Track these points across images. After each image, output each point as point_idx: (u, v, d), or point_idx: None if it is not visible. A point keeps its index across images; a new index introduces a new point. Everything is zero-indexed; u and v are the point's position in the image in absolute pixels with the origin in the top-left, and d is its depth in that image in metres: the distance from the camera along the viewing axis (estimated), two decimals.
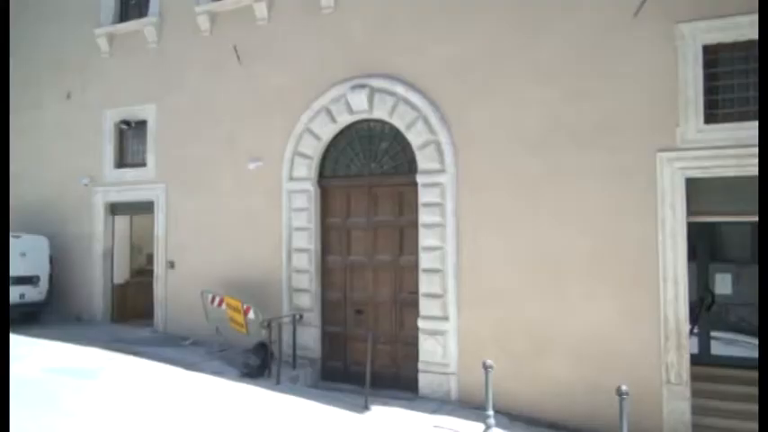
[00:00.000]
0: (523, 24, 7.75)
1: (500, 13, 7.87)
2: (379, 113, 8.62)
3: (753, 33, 6.59)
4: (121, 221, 11.84)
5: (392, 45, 8.59)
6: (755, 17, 6.49)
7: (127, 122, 11.21)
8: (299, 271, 9.17)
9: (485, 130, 7.91)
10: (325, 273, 9.20)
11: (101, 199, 11.55)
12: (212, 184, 10.16)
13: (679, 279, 6.84)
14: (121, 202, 11.45)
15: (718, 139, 6.72)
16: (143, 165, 11.11)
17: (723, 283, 8.18)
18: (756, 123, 6.53)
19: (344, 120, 8.91)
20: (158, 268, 10.79)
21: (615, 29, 7.23)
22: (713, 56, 6.90)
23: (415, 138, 8.35)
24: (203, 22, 10.28)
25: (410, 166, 8.52)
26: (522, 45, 7.73)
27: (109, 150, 11.48)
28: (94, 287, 11.56)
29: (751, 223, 7.95)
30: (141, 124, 11.12)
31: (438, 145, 8.17)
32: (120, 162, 11.51)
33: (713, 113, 6.85)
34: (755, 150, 6.46)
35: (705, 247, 8.25)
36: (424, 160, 8.28)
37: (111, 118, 11.42)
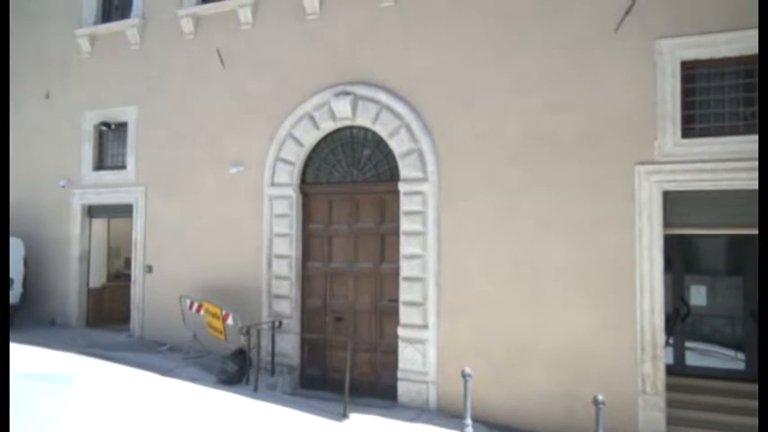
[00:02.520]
0: (505, 35, 7.82)
1: (481, 24, 7.94)
2: (363, 121, 8.63)
3: (728, 51, 6.77)
4: (99, 224, 11.68)
5: (376, 53, 8.62)
6: (731, 35, 6.71)
7: (107, 124, 11.07)
8: (279, 277, 9.12)
9: (467, 139, 7.97)
10: (306, 279, 9.16)
11: (78, 201, 11.38)
12: (193, 188, 10.07)
13: (655, 290, 6.93)
14: (99, 204, 11.29)
15: (695, 153, 6.84)
16: (122, 167, 10.98)
17: (698, 295, 8.32)
18: (731, 138, 6.73)
19: (327, 126, 8.91)
20: (136, 272, 10.65)
21: (596, 42, 7.33)
22: (691, 71, 7.02)
23: (397, 146, 8.38)
24: (186, 25, 10.21)
25: (392, 173, 8.54)
26: (504, 55, 7.81)
27: (87, 152, 11.33)
28: (70, 291, 11.36)
29: (726, 236, 8.13)
30: (122, 126, 10.99)
31: (420, 153, 8.21)
32: (99, 164, 11.36)
33: (690, 128, 6.97)
34: (731, 165, 6.64)
35: (681, 258, 8.39)
36: (406, 168, 8.30)
37: (90, 119, 11.27)
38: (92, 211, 11.49)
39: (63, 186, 11.45)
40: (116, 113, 11.01)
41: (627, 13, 7.07)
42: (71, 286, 11.36)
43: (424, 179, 8.16)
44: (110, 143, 11.34)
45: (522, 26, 7.73)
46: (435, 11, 8.24)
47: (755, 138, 6.56)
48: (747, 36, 6.60)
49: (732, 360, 8.13)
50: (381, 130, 8.50)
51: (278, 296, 9.11)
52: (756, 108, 6.71)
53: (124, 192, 10.87)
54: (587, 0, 7.38)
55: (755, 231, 6.36)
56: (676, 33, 6.93)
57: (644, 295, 6.95)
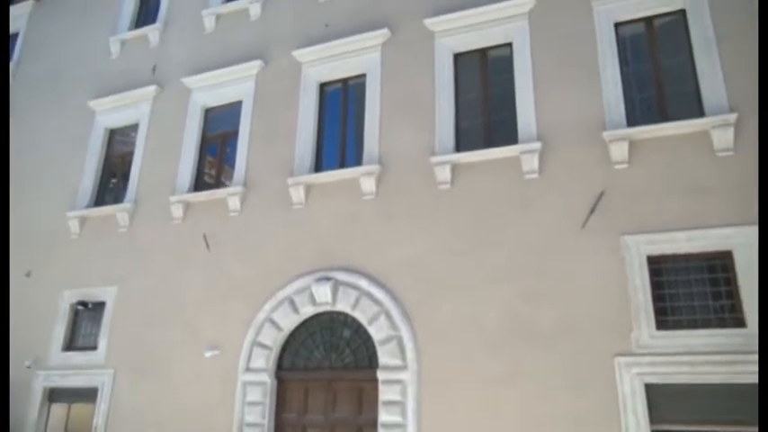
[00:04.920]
0: (479, 228, 8.23)
1: (457, 218, 8.40)
2: (343, 306, 8.68)
3: (690, 247, 7.16)
4: (59, 410, 10.91)
5: (357, 241, 8.95)
6: (691, 233, 7.14)
7: (84, 303, 10.92)
8: None
9: (446, 327, 7.98)
10: None
11: (41, 383, 10.78)
12: (164, 372, 9.67)
13: None
14: (63, 387, 10.67)
15: (671, 346, 6.88)
16: (93, 348, 10.61)
17: None
18: (705, 331, 6.83)
19: (307, 311, 8.92)
20: None
21: (566, 235, 7.73)
22: (657, 265, 7.32)
23: (376, 332, 8.34)
24: (176, 210, 10.62)
25: (371, 360, 8.38)
26: (480, 247, 8.14)
27: (59, 332, 11.00)
28: None
29: None
30: (99, 306, 10.83)
31: (400, 341, 8.14)
32: (70, 344, 10.97)
33: (664, 320, 7.09)
34: (708, 358, 6.65)
35: None
36: (385, 355, 8.17)
37: (68, 298, 11.13)
38: (53, 395, 10.83)
39: (28, 367, 10.92)
40: (95, 293, 10.93)
41: (591, 211, 7.60)
42: None
43: (404, 367, 7.99)
44: (84, 323, 11.08)
45: (496, 220, 8.19)
46: (413, 204, 8.76)
47: (729, 331, 6.71)
48: (706, 234, 7.08)
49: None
50: (361, 316, 8.52)
51: None
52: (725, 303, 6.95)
53: (91, 374, 10.37)
54: (555, 198, 7.93)
55: (746, 430, 6.22)
56: (639, 230, 7.38)
57: None
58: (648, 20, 8.44)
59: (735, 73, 7.48)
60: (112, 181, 12.28)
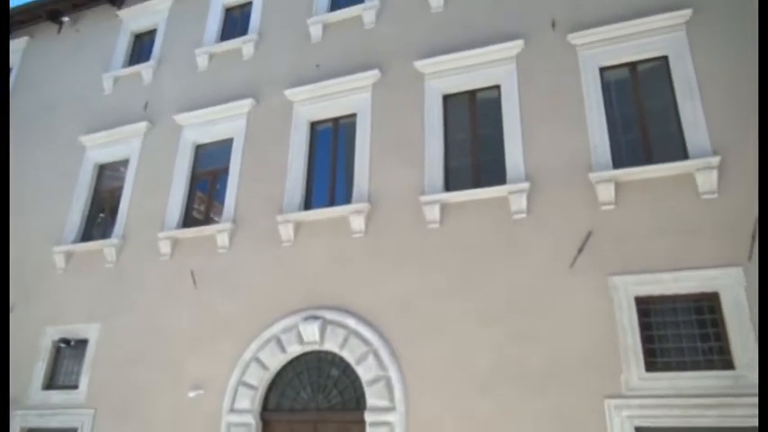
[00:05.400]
0: (469, 268, 8.22)
1: (447, 257, 8.40)
2: (330, 345, 8.57)
3: (677, 288, 7.18)
4: None
5: (346, 279, 8.90)
6: (677, 274, 7.18)
7: (66, 341, 10.69)
8: None
9: (435, 367, 7.88)
10: None
11: (18, 424, 10.45)
12: (146, 412, 9.43)
13: None
14: (41, 428, 10.36)
15: (661, 388, 6.82)
16: (74, 387, 10.35)
17: None
18: (694, 374, 6.79)
19: (294, 350, 8.79)
20: None
21: (555, 275, 7.73)
22: (645, 306, 7.32)
23: (364, 372, 8.22)
24: (164, 246, 10.54)
25: (359, 401, 8.23)
26: (469, 287, 8.11)
27: (40, 369, 10.74)
28: None
29: None
30: (81, 343, 10.61)
31: (388, 381, 8.02)
32: (50, 383, 10.69)
33: (653, 361, 7.04)
34: (698, 401, 6.61)
35: None
36: (372, 396, 8.03)
37: (50, 335, 10.90)
38: None
39: None
40: (78, 330, 10.73)
41: (579, 251, 7.64)
42: None
43: (392, 408, 7.85)
44: (65, 360, 10.82)
45: (484, 259, 8.19)
46: (402, 243, 8.75)
47: (718, 373, 6.69)
48: (692, 276, 7.12)
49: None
50: (349, 355, 8.41)
51: None
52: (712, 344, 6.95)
53: (71, 414, 10.07)
54: (543, 238, 7.95)
55: None
56: (626, 271, 7.40)
57: None
58: (632, 65, 8.67)
59: (717, 117, 7.66)
60: (101, 216, 12.18)
